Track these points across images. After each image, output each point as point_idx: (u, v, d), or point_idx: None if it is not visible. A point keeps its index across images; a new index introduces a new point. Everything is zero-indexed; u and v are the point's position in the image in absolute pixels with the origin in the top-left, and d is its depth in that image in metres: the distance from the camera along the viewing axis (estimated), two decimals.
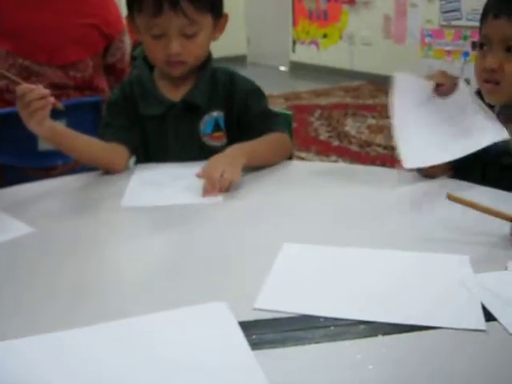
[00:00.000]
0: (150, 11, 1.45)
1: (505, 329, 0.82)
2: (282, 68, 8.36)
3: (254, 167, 1.49)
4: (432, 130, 1.45)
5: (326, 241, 1.11)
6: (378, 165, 1.37)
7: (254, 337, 0.81)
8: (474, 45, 1.56)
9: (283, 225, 1.21)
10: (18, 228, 1.22)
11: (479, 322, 0.84)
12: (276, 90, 6.42)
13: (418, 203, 1.31)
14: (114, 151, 1.55)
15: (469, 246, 1.08)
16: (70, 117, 1.76)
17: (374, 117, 5.26)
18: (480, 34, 1.41)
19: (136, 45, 2.49)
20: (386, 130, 4.15)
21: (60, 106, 1.41)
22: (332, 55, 7.64)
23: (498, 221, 1.11)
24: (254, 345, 0.79)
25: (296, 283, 0.96)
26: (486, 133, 1.39)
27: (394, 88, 1.46)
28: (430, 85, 1.46)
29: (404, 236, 1.15)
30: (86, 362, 0.77)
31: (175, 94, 1.59)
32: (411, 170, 1.40)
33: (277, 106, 1.71)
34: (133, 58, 2.28)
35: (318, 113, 5.61)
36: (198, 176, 1.36)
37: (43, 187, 1.50)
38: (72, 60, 1.98)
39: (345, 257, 1.05)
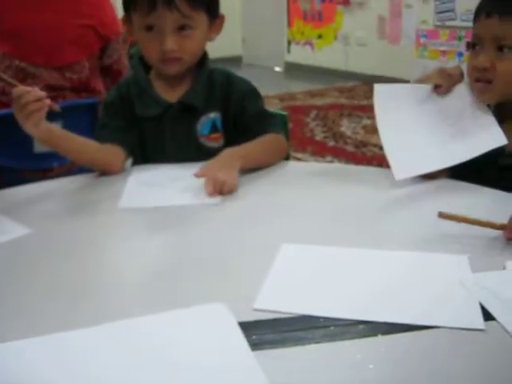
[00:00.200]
0: (144, 9, 1.46)
1: (503, 328, 0.82)
2: (277, 69, 8.37)
3: (250, 169, 1.49)
4: (426, 135, 1.43)
5: (324, 241, 1.11)
6: (375, 165, 1.37)
7: (253, 337, 0.81)
8: (468, 45, 1.57)
9: (281, 225, 1.21)
10: (15, 229, 1.21)
11: (478, 321, 0.84)
12: (271, 90, 6.42)
13: (415, 203, 1.31)
14: (111, 152, 1.55)
15: (467, 245, 1.08)
16: (66, 118, 1.75)
17: (369, 117, 5.26)
18: (472, 34, 1.41)
19: (132, 45, 2.49)
20: None
21: (56, 107, 1.41)
22: (327, 56, 7.66)
23: (498, 220, 1.12)
24: (254, 345, 0.79)
25: (295, 283, 0.96)
26: (485, 138, 1.39)
27: (374, 100, 1.44)
28: (427, 87, 1.45)
29: (402, 236, 1.15)
30: (86, 363, 0.77)
31: (172, 95, 1.59)
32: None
33: (272, 107, 1.71)
34: (129, 57, 2.28)
35: (313, 113, 5.62)
36: (196, 176, 1.36)
37: (41, 189, 1.49)
38: (69, 61, 1.98)
39: (343, 257, 1.05)
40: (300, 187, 1.44)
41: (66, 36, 1.97)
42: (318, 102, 6.13)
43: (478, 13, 1.39)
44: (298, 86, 7.00)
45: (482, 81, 1.39)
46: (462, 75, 1.45)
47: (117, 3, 1.82)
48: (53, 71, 1.96)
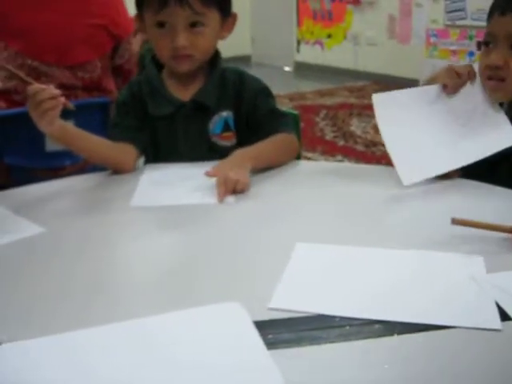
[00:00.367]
0: (155, 6, 1.46)
1: None
2: (287, 68, 8.36)
3: (261, 169, 1.48)
4: (434, 136, 1.42)
5: (337, 240, 1.11)
6: (384, 164, 1.36)
7: (269, 336, 0.81)
8: (479, 45, 1.55)
9: (295, 224, 1.21)
10: (28, 228, 1.21)
11: (494, 321, 0.84)
12: (281, 90, 6.41)
13: (426, 203, 1.30)
14: (123, 151, 1.55)
15: (480, 245, 1.07)
16: (77, 117, 1.76)
17: None
18: (486, 31, 1.41)
19: (142, 44, 2.49)
20: None
21: (71, 105, 1.41)
22: (336, 55, 7.64)
23: None
24: (270, 344, 0.79)
25: (310, 283, 0.96)
26: (497, 137, 1.38)
27: (375, 110, 1.43)
28: (434, 87, 1.44)
29: (414, 236, 1.14)
30: (99, 362, 0.77)
31: (184, 94, 1.59)
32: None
33: (282, 107, 1.70)
34: (140, 58, 2.28)
35: (323, 113, 5.61)
36: (208, 175, 1.36)
37: (52, 187, 1.49)
38: (80, 60, 1.98)
39: (358, 256, 1.05)
40: (311, 186, 1.44)
41: (77, 35, 1.97)
42: (328, 101, 6.12)
43: (493, 11, 1.38)
44: (307, 86, 6.99)
45: (494, 79, 1.38)
46: (473, 74, 1.43)
47: (129, 3, 1.82)
48: (65, 70, 1.97)
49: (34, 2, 1.94)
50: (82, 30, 1.98)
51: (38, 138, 1.64)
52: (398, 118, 1.42)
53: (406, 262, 1.02)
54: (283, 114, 1.64)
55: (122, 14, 2.13)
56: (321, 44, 7.89)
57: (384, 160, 1.40)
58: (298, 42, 8.23)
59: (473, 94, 1.44)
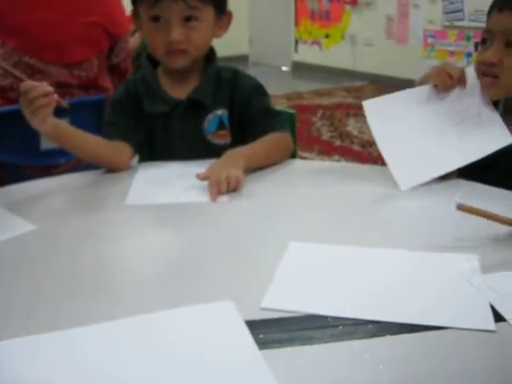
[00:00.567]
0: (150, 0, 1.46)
1: None
2: (284, 68, 8.35)
3: (254, 168, 1.47)
4: (428, 138, 1.41)
5: (332, 239, 1.10)
6: (380, 165, 1.36)
7: (261, 336, 0.80)
8: (476, 46, 1.54)
9: (289, 224, 1.20)
10: (21, 226, 1.21)
11: (488, 322, 0.83)
12: (278, 89, 6.41)
13: (422, 202, 1.30)
14: (118, 149, 1.54)
15: (477, 246, 1.07)
16: (73, 115, 1.75)
17: None
18: (484, 28, 1.40)
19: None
20: None
21: (64, 103, 1.40)
22: (334, 55, 7.64)
23: None
24: (262, 344, 0.78)
25: (303, 282, 0.96)
26: (491, 138, 1.38)
27: (366, 116, 1.41)
28: (426, 88, 1.43)
29: (410, 235, 1.14)
30: (92, 360, 0.77)
31: (179, 92, 1.58)
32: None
33: (279, 106, 1.70)
34: (136, 56, 2.28)
35: (320, 113, 5.61)
36: (199, 178, 1.35)
37: (46, 185, 1.49)
38: (77, 59, 1.97)
39: (352, 256, 1.04)
40: (306, 186, 1.43)
41: (74, 33, 1.96)
42: (325, 101, 6.12)
43: (492, 9, 1.38)
44: (305, 86, 6.98)
45: (488, 75, 1.38)
46: (463, 80, 1.42)
47: (126, 1, 1.81)
48: (61, 68, 1.96)
49: (32, 0, 1.93)
50: (80, 28, 1.98)
51: (32, 135, 1.63)
52: (390, 122, 1.42)
53: (400, 262, 1.02)
54: (277, 113, 1.63)
55: (120, 13, 2.12)
56: (318, 44, 7.89)
57: (380, 160, 1.39)
58: (296, 42, 8.23)
59: (467, 93, 1.43)
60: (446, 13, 6.06)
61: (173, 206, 1.29)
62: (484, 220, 1.11)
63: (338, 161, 4.19)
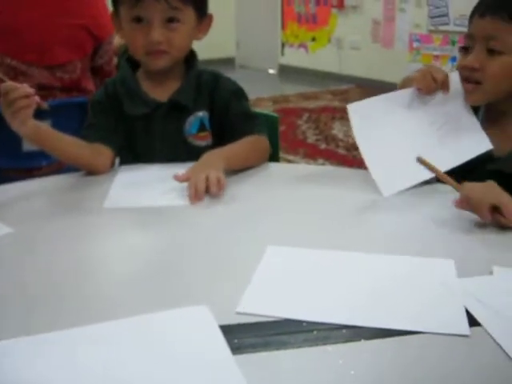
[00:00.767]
0: (132, 0, 1.45)
1: (488, 334, 0.82)
2: (271, 71, 8.36)
3: (232, 170, 1.47)
4: (411, 143, 1.41)
5: (311, 244, 1.10)
6: (365, 168, 1.35)
7: (235, 341, 0.80)
8: (460, 49, 1.54)
9: (268, 228, 1.20)
10: None
11: (463, 327, 0.83)
12: (264, 92, 6.42)
13: (402, 207, 1.30)
14: (97, 151, 1.54)
15: (454, 250, 1.07)
16: (55, 117, 1.74)
17: None
18: (466, 34, 1.41)
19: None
20: None
21: (45, 105, 1.39)
22: (320, 59, 7.66)
23: (486, 225, 1.13)
24: (236, 349, 0.78)
25: (279, 287, 0.95)
26: (470, 144, 1.38)
27: (350, 119, 1.40)
28: (409, 91, 1.43)
29: (389, 239, 1.14)
30: (66, 365, 0.76)
31: (160, 94, 1.58)
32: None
33: (265, 109, 1.70)
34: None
35: (305, 116, 5.62)
36: (177, 179, 1.35)
37: (26, 187, 1.48)
38: (60, 61, 1.96)
39: (329, 260, 1.04)
40: (286, 189, 1.43)
41: (57, 36, 1.95)
42: (311, 104, 6.13)
43: (474, 13, 1.38)
44: (291, 89, 6.99)
45: (470, 80, 1.38)
46: (447, 86, 1.42)
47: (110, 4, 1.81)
48: (44, 70, 1.95)
49: (15, 1, 1.92)
50: (63, 30, 1.96)
51: (14, 137, 1.62)
52: (374, 127, 1.41)
53: (376, 266, 1.02)
54: (255, 116, 1.64)
55: (104, 15, 2.11)
56: (305, 47, 7.90)
57: (365, 165, 1.39)
58: (283, 45, 8.24)
59: (450, 98, 1.43)
60: (432, 17, 6.09)
61: (151, 210, 1.29)
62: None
63: (323, 164, 4.19)
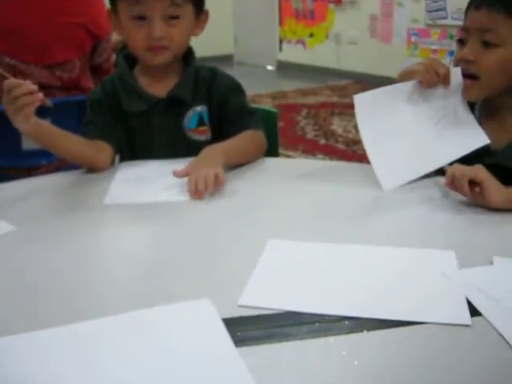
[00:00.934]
0: None
1: (490, 324, 0.82)
2: (269, 67, 8.36)
3: (232, 165, 1.48)
4: (410, 137, 1.41)
5: (312, 237, 1.10)
6: (365, 163, 1.36)
7: (238, 333, 0.80)
8: (457, 42, 1.54)
9: (268, 221, 1.20)
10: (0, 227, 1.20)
11: (464, 317, 0.84)
12: (263, 89, 6.42)
13: (403, 199, 1.30)
14: (98, 148, 1.54)
15: (455, 241, 1.08)
16: (54, 116, 1.74)
17: None
18: (461, 26, 1.40)
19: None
20: None
21: (48, 102, 1.38)
22: (319, 54, 7.65)
23: (485, 215, 1.13)
24: (239, 341, 0.78)
25: (281, 279, 0.96)
26: (467, 139, 1.38)
27: (356, 110, 1.40)
28: (411, 83, 1.42)
29: (389, 231, 1.15)
30: (68, 360, 0.76)
31: (158, 90, 1.58)
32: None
33: (264, 105, 1.70)
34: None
35: (304, 112, 5.62)
36: (177, 175, 1.35)
37: (26, 186, 1.48)
38: (59, 60, 1.96)
39: (330, 253, 1.04)
40: (286, 184, 1.43)
41: (56, 34, 1.95)
42: (310, 100, 6.13)
43: (469, 5, 1.38)
44: (289, 85, 6.99)
45: (466, 74, 1.38)
46: (448, 80, 1.42)
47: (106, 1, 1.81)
48: (43, 69, 1.95)
49: (14, 1, 1.92)
50: (61, 29, 1.96)
51: (13, 136, 1.62)
52: (377, 119, 1.41)
53: (377, 258, 1.02)
54: (252, 111, 1.64)
55: (102, 13, 2.11)
56: (303, 43, 7.90)
57: (365, 159, 1.39)
58: (281, 41, 8.23)
59: (450, 92, 1.43)
60: (429, 11, 6.09)
61: (151, 206, 1.29)
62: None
63: (323, 159, 4.19)
